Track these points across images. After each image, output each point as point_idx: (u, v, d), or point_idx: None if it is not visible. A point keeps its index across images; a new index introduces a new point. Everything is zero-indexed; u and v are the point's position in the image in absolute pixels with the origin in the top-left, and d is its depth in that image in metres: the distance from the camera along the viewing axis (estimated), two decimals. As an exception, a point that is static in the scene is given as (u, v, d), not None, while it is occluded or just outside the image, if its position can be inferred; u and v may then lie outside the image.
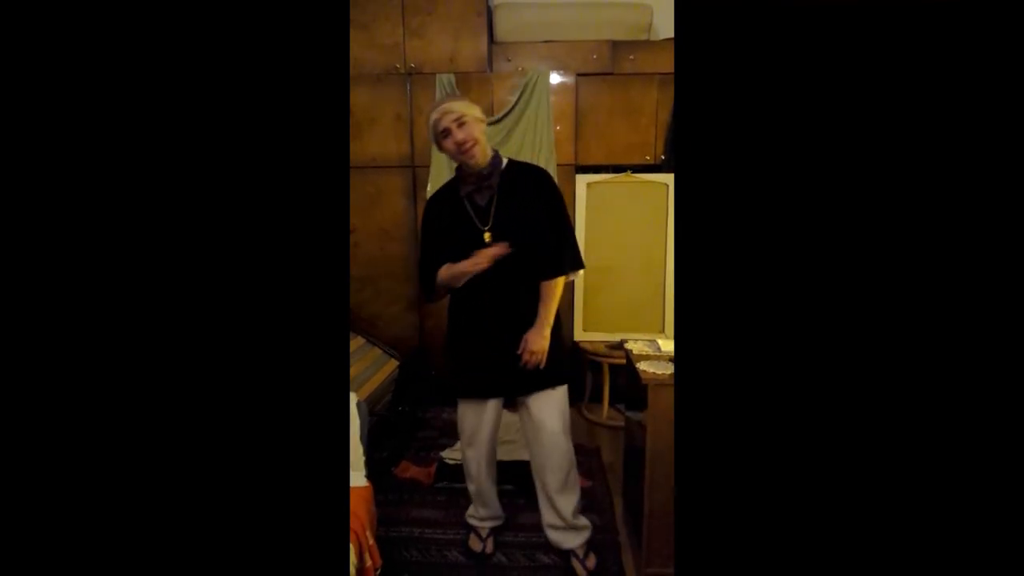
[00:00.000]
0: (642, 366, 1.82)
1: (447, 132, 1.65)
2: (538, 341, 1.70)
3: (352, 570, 1.50)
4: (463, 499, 2.29)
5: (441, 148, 1.70)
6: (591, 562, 1.88)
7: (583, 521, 1.90)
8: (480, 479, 1.94)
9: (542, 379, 1.76)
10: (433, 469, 2.48)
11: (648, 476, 1.79)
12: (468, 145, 1.65)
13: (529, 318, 1.72)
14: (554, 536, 1.89)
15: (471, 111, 1.66)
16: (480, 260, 1.65)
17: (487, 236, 1.69)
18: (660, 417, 1.75)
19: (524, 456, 2.56)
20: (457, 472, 2.44)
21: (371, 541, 1.61)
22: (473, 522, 2.05)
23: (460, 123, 1.64)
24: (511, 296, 1.72)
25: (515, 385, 1.77)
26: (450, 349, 1.84)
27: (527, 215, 1.70)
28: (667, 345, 2.03)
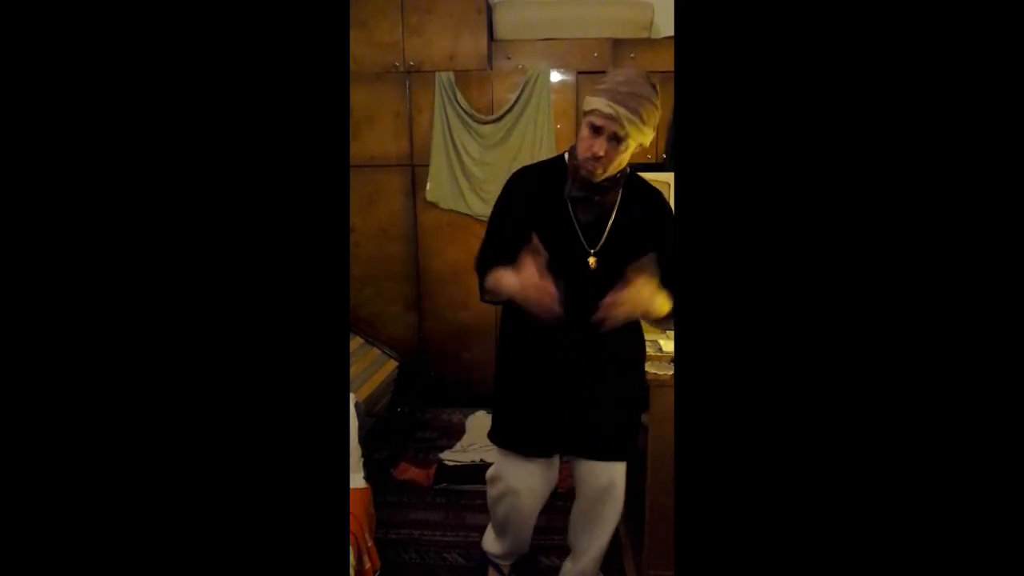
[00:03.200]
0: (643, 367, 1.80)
1: (597, 130, 1.26)
2: (629, 305, 1.26)
3: (351, 572, 1.48)
4: (463, 501, 2.28)
5: (577, 128, 1.32)
6: None
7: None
8: (502, 512, 1.62)
9: (613, 446, 1.46)
10: (432, 471, 2.46)
11: (650, 477, 1.78)
12: (598, 163, 1.29)
13: (609, 370, 1.40)
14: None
15: (638, 136, 1.25)
16: (547, 301, 1.26)
17: (592, 261, 1.35)
18: (662, 418, 1.74)
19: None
20: (457, 474, 2.43)
21: (370, 543, 1.60)
22: (495, 559, 1.76)
23: (617, 139, 1.26)
24: (595, 337, 1.34)
25: (584, 442, 1.46)
26: (500, 383, 1.51)
27: (640, 240, 1.36)
28: (669, 345, 2.01)
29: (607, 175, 1.32)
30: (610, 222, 1.37)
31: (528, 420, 1.45)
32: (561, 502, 2.21)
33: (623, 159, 1.31)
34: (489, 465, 2.43)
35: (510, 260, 1.32)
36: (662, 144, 2.94)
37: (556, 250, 1.32)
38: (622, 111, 1.22)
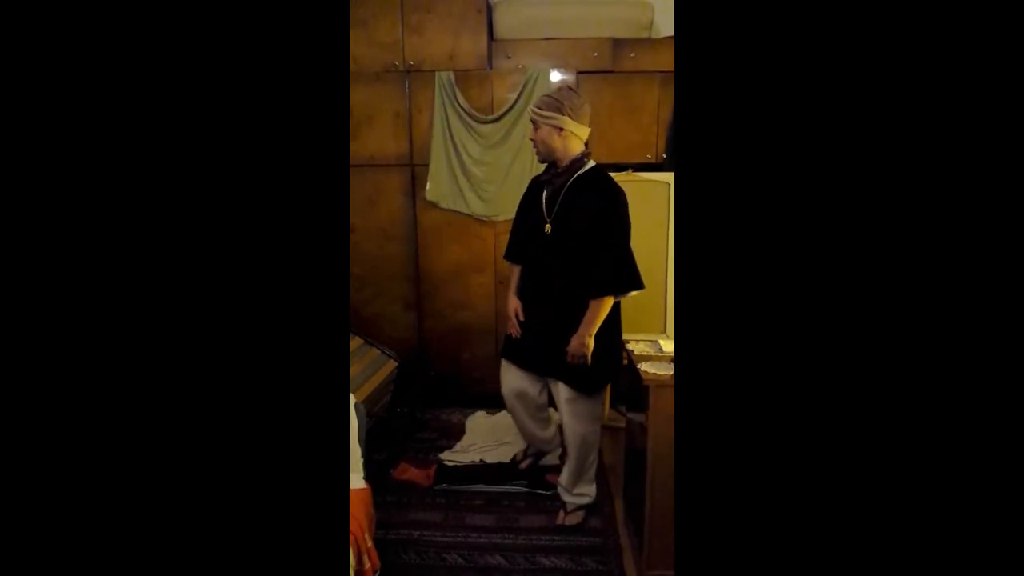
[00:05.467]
0: (643, 367, 1.81)
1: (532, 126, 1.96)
2: (578, 347, 1.91)
3: (351, 572, 1.48)
4: (462, 501, 2.28)
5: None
6: (572, 519, 2.15)
7: (587, 490, 2.15)
8: (515, 420, 2.29)
9: (560, 370, 2.00)
10: (432, 471, 2.46)
11: (649, 477, 1.78)
12: (534, 144, 1.97)
13: (562, 313, 1.95)
14: (561, 492, 2.17)
15: (549, 120, 1.89)
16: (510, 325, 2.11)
17: (547, 227, 1.97)
18: (661, 418, 1.74)
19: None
20: (456, 474, 2.43)
21: (369, 543, 1.59)
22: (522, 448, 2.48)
23: (535, 124, 1.93)
24: (553, 286, 1.98)
25: (539, 363, 2.09)
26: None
27: (579, 223, 1.91)
28: (668, 346, 2.01)
29: (548, 157, 1.96)
30: (560, 199, 1.96)
31: (508, 339, 2.18)
32: (560, 502, 2.23)
33: (547, 135, 1.91)
34: (489, 465, 2.45)
35: (517, 250, 2.15)
36: (662, 144, 2.94)
37: (533, 220, 2.03)
38: (532, 109, 1.95)
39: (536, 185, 2.08)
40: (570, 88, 2.03)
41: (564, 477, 2.14)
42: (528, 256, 2.07)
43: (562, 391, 2.01)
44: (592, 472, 2.14)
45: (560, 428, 2.16)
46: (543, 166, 2.04)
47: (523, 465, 2.45)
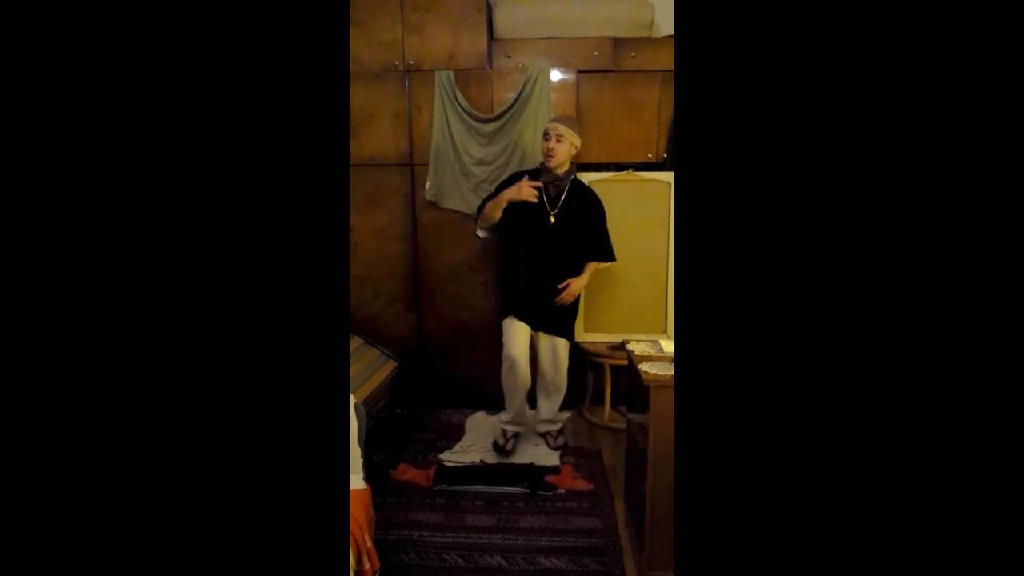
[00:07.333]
0: (644, 367, 1.80)
1: (547, 137, 2.42)
2: (577, 287, 2.53)
3: (351, 573, 1.48)
4: (462, 502, 2.28)
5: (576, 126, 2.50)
6: (560, 440, 2.73)
7: (560, 416, 2.76)
8: (509, 381, 2.59)
9: (560, 328, 2.61)
10: (432, 472, 2.46)
11: (650, 478, 1.77)
12: (552, 154, 2.42)
13: (563, 279, 2.54)
14: (541, 428, 2.75)
15: (571, 138, 2.42)
16: (522, 191, 2.43)
17: (552, 218, 2.48)
18: (662, 419, 1.74)
19: (526, 459, 2.54)
20: (456, 475, 2.42)
21: (369, 544, 1.59)
22: (502, 425, 2.68)
23: (559, 139, 2.40)
24: (561, 264, 2.52)
25: (544, 323, 2.58)
26: (503, 283, 2.75)
27: (581, 215, 2.52)
28: (669, 346, 2.01)
29: (559, 167, 2.46)
30: (563, 198, 2.50)
31: (513, 303, 2.60)
32: (560, 503, 2.23)
33: (566, 151, 2.43)
34: (489, 465, 2.44)
35: (518, 230, 2.55)
36: (662, 144, 2.94)
37: (534, 212, 2.47)
38: (561, 124, 2.42)
39: (521, 177, 2.53)
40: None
41: (551, 411, 2.70)
42: (528, 242, 2.54)
43: (558, 343, 2.61)
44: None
45: (544, 380, 2.68)
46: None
47: (508, 448, 2.64)
